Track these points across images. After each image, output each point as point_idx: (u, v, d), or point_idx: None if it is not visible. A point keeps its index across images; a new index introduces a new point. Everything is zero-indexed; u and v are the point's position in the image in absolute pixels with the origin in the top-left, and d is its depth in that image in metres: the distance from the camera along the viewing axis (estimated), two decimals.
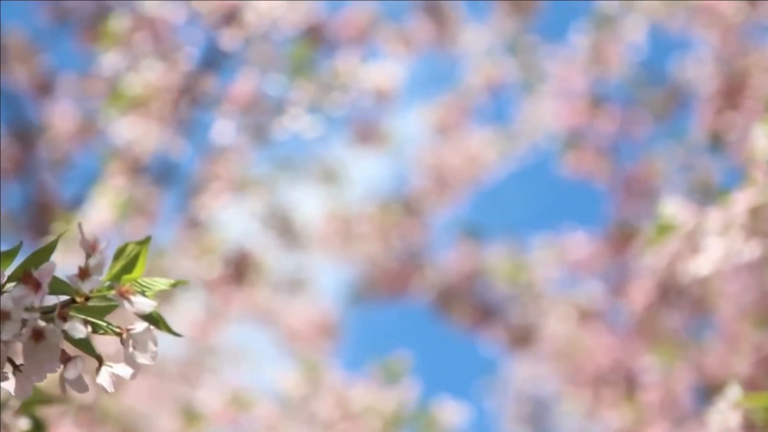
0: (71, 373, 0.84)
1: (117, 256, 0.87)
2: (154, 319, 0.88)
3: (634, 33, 3.56)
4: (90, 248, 0.84)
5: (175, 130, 3.16)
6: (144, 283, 0.88)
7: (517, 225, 4.66)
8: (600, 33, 3.59)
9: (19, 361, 0.87)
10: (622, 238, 3.64)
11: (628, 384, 3.33)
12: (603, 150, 3.70)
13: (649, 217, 3.43)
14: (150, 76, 3.04)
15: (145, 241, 0.87)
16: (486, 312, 3.96)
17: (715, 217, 1.57)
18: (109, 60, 3.07)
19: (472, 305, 3.97)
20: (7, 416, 1.29)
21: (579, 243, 3.82)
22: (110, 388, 0.85)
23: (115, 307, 0.87)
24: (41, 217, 3.90)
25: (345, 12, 3.51)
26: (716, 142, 3.28)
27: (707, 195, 3.35)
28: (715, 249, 1.55)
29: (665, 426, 3.01)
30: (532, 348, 3.85)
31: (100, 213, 3.10)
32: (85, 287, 0.84)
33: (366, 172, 4.45)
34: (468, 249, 4.05)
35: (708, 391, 3.19)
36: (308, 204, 3.87)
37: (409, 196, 4.00)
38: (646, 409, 3.07)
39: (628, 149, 3.75)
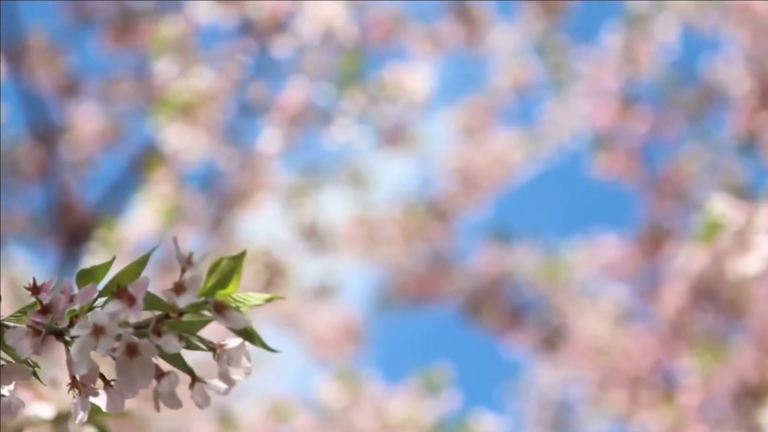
0: (165, 389, 0.82)
1: (211, 270, 0.85)
2: (248, 335, 0.87)
3: (665, 33, 3.53)
4: (186, 262, 0.83)
5: (222, 138, 3.15)
6: (238, 298, 0.87)
7: (546, 227, 4.62)
8: (631, 33, 3.56)
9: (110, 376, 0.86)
10: (653, 241, 3.61)
11: (667, 386, 3.29)
12: (634, 151, 3.67)
13: (682, 219, 3.41)
14: (199, 83, 3.02)
15: (240, 256, 0.86)
16: (515, 315, 3.93)
17: (765, 215, 1.55)
18: (160, 66, 3.05)
19: (502, 309, 3.93)
20: (74, 426, 1.29)
21: (610, 245, 3.78)
22: (205, 405, 0.84)
23: (207, 322, 0.86)
24: (64, 219, 3.88)
25: (373, 13, 3.49)
26: (750, 143, 3.25)
27: (739, 196, 3.32)
28: (765, 247, 1.54)
29: (704, 429, 2.98)
30: (560, 351, 3.82)
31: (143, 220, 3.09)
32: (181, 302, 0.83)
33: (392, 174, 4.42)
34: (496, 252, 4.01)
35: (741, 395, 3.15)
36: (334, 207, 3.84)
37: (435, 198, 3.97)
38: (684, 412, 3.04)
39: (659, 150, 3.73)
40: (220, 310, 0.83)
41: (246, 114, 3.28)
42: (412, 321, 4.31)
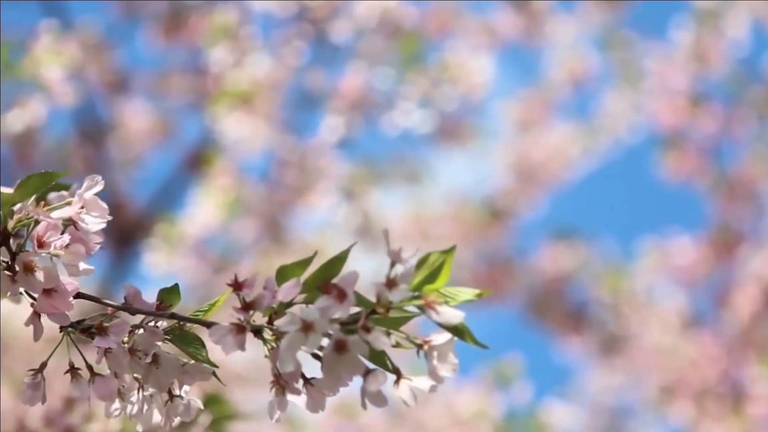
0: (372, 386, 0.79)
1: (419, 265, 0.81)
2: (459, 331, 0.82)
3: (735, 29, 3.47)
4: (396, 257, 0.79)
5: (281, 128, 3.09)
6: (447, 293, 0.83)
7: (605, 226, 4.54)
8: (701, 29, 3.50)
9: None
10: (724, 243, 3.52)
11: (735, 396, 3.21)
12: (704, 151, 3.60)
13: (754, 221, 3.33)
14: (256, 71, 2.96)
15: (450, 251, 0.82)
16: (577, 316, 3.86)
17: None
18: (215, 55, 2.99)
19: (564, 309, 3.86)
20: (198, 431, 1.27)
21: (681, 248, 3.68)
22: (411, 402, 0.81)
23: (410, 318, 0.82)
24: (113, 219, 3.82)
25: (429, 4, 3.43)
26: None
27: None
28: None
29: None
30: (620, 356, 3.75)
31: (204, 213, 3.03)
32: (392, 297, 0.79)
33: (449, 171, 4.35)
34: (559, 250, 3.94)
35: None
36: (390, 204, 3.79)
37: (492, 195, 3.91)
38: (753, 422, 2.97)
39: (730, 150, 3.65)
40: (431, 305, 0.79)
41: (305, 102, 3.22)
42: (472, 319, 4.24)
